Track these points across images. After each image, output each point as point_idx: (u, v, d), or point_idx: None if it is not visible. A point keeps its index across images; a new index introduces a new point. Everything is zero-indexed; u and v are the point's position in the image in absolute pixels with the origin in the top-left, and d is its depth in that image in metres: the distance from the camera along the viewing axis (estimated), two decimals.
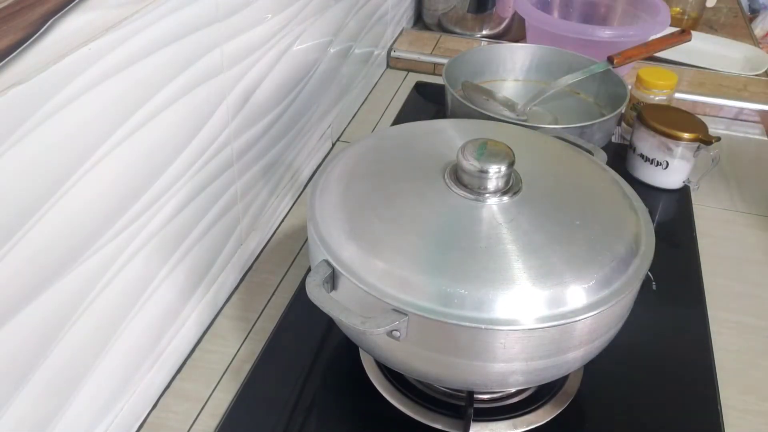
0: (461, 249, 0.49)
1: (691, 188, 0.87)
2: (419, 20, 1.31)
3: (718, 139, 0.82)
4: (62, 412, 0.47)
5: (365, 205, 0.53)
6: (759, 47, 1.26)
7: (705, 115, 1.04)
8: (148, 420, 0.58)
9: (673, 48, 0.96)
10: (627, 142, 0.90)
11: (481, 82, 0.96)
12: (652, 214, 0.56)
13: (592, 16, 1.18)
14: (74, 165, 0.43)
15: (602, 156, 0.64)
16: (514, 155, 0.53)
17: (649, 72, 0.93)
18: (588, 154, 0.63)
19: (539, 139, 0.64)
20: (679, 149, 0.83)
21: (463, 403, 0.56)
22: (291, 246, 0.77)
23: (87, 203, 0.45)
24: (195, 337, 0.64)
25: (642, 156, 0.86)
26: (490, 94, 0.92)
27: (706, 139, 0.82)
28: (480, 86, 0.93)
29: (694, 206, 0.85)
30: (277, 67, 0.70)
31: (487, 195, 0.52)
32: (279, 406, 0.58)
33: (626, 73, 1.06)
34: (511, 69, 0.98)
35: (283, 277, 0.72)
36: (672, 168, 0.85)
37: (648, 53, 0.93)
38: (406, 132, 0.63)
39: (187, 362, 0.63)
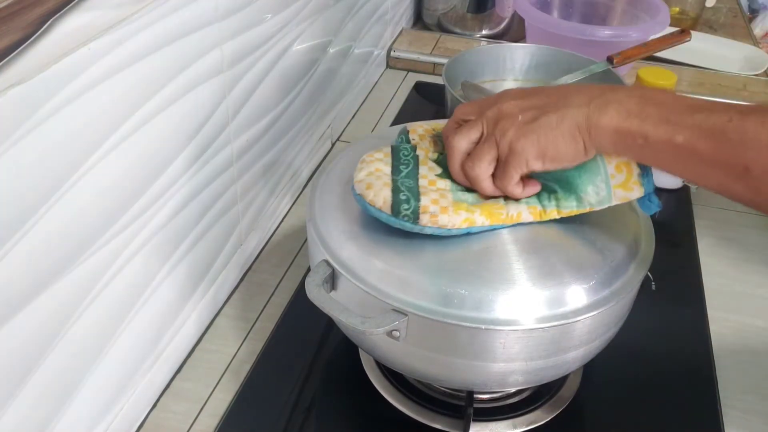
0: (461, 249, 0.49)
1: (691, 188, 0.87)
2: (419, 20, 1.30)
3: None
4: (62, 412, 0.47)
5: None
6: (758, 47, 1.26)
7: None
8: (148, 420, 0.58)
9: (672, 48, 0.96)
10: None
11: (480, 82, 0.96)
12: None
13: (592, 16, 1.18)
14: (74, 165, 0.43)
15: None
16: None
17: (648, 72, 0.93)
18: None
19: None
20: None
21: (463, 403, 0.56)
22: (291, 246, 0.77)
23: (87, 203, 0.45)
24: (195, 337, 0.64)
25: None
26: (489, 94, 0.92)
27: None
28: (480, 86, 0.93)
29: (694, 206, 0.85)
30: (276, 67, 0.70)
31: None
32: (279, 406, 0.58)
33: (626, 72, 1.06)
34: (511, 69, 0.98)
35: (282, 277, 0.72)
36: None
37: (647, 53, 0.93)
38: None
39: (187, 362, 0.63)
